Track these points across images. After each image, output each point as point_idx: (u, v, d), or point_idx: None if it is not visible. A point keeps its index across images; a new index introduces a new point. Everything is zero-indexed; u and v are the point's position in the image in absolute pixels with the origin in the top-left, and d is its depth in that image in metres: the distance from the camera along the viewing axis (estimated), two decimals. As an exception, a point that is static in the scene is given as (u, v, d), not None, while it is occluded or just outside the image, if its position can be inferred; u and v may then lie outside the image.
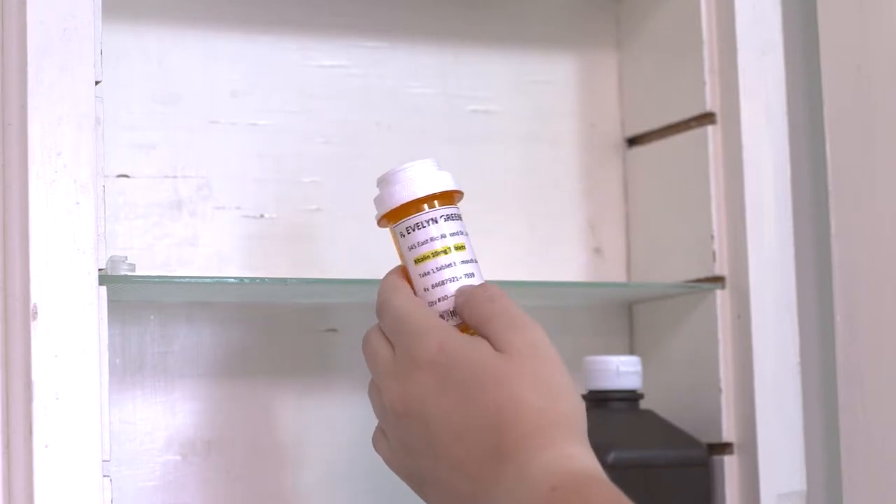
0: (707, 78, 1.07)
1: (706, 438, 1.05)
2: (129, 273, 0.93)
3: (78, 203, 0.84)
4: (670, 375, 1.09)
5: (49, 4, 0.84)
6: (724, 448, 1.04)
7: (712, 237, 1.06)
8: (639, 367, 1.03)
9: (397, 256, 0.89)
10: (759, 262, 1.04)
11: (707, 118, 1.07)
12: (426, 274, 0.88)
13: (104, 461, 0.83)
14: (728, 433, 1.05)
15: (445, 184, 0.89)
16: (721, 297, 1.06)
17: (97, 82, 0.85)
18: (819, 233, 1.11)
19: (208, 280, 0.96)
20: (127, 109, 1.01)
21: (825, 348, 1.11)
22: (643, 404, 1.04)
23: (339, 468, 1.04)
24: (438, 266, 0.88)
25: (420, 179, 0.88)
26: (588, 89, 1.15)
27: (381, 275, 0.88)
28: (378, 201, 0.89)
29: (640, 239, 1.14)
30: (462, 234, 0.89)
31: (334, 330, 1.05)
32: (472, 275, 0.88)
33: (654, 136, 1.12)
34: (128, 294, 0.96)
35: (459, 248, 0.88)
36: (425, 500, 0.86)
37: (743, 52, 1.05)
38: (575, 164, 1.14)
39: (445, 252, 0.88)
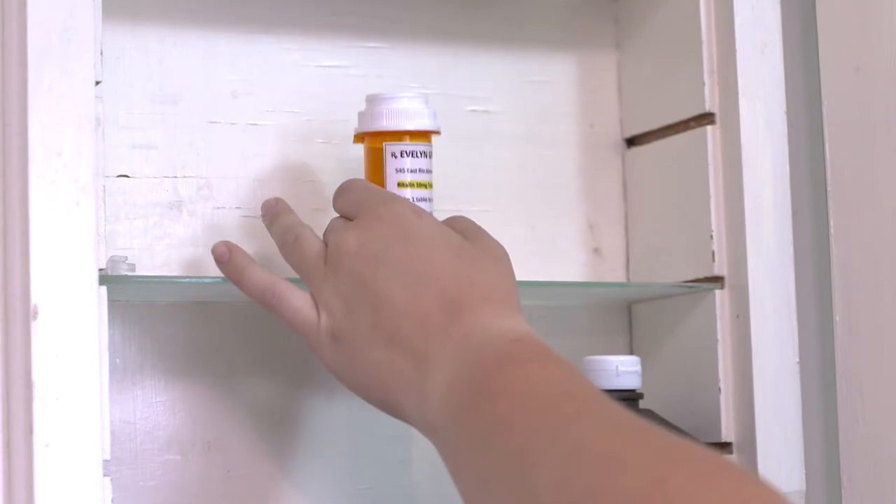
0: (706, 78, 1.07)
1: (705, 438, 1.05)
2: (129, 273, 0.93)
3: (78, 203, 0.84)
4: (670, 375, 1.09)
5: (49, 4, 0.84)
6: (724, 448, 1.05)
7: (711, 237, 1.06)
8: (638, 367, 1.03)
9: (366, 171, 0.96)
10: (759, 261, 1.05)
11: (706, 118, 1.07)
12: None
13: (104, 461, 0.83)
14: (727, 433, 1.05)
15: (438, 124, 0.98)
16: (720, 296, 1.06)
17: (97, 82, 0.85)
18: (818, 232, 1.12)
19: (208, 280, 0.96)
20: (127, 109, 1.01)
21: (824, 348, 1.11)
22: (643, 404, 1.04)
23: (340, 468, 1.04)
24: (420, 197, 0.95)
25: (426, 112, 0.96)
26: (587, 89, 1.15)
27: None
28: (373, 116, 0.96)
29: (639, 239, 1.14)
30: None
31: (334, 330, 1.05)
32: (433, 213, 0.95)
33: (654, 137, 1.12)
34: (128, 294, 0.96)
35: (431, 186, 0.96)
36: (354, 367, 0.85)
37: (742, 52, 1.05)
38: (574, 164, 1.14)
39: (427, 186, 0.96)
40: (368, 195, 0.90)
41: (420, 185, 0.95)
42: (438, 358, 0.80)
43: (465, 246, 0.87)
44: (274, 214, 0.94)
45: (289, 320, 0.88)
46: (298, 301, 0.87)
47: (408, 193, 0.95)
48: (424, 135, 0.96)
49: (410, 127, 0.96)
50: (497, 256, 0.88)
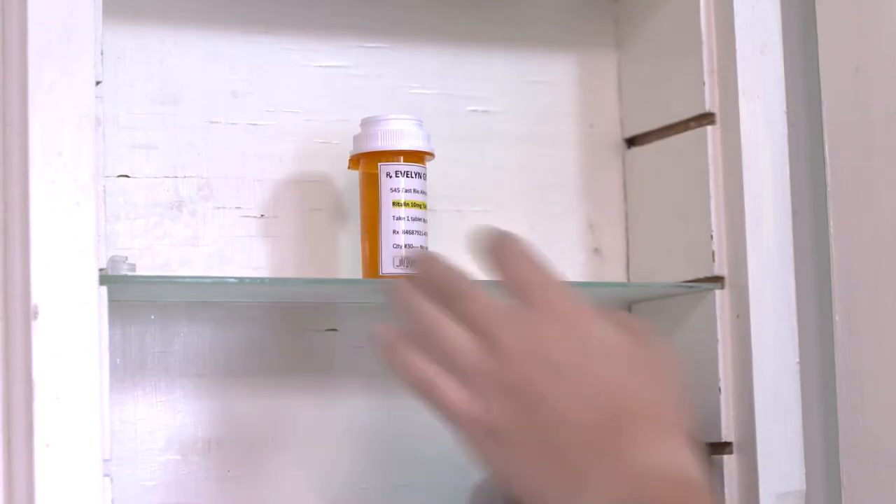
0: (706, 78, 1.07)
1: (705, 438, 1.05)
2: (130, 273, 0.93)
3: (78, 203, 0.84)
4: (670, 375, 1.09)
5: (49, 4, 0.84)
6: (724, 447, 1.05)
7: (711, 237, 1.06)
8: (638, 367, 1.03)
9: (361, 195, 0.98)
10: (759, 261, 1.04)
11: (706, 118, 1.07)
12: (401, 219, 0.97)
13: (105, 460, 0.83)
14: (727, 433, 1.05)
15: (432, 146, 0.99)
16: (720, 296, 1.06)
17: (97, 82, 0.85)
18: (818, 232, 1.12)
19: (208, 280, 0.96)
20: (127, 109, 1.01)
21: (824, 348, 1.11)
22: (642, 404, 1.04)
23: (339, 468, 1.04)
24: (415, 216, 0.97)
25: (420, 134, 0.98)
26: (587, 89, 1.15)
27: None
28: (368, 137, 0.98)
29: (639, 239, 1.14)
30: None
31: (334, 330, 1.05)
32: (426, 234, 0.98)
33: (654, 137, 1.12)
34: (128, 294, 0.96)
35: (426, 207, 0.97)
36: (508, 465, 0.83)
37: (742, 52, 1.05)
38: (574, 164, 1.14)
39: (422, 207, 0.97)
40: (538, 277, 0.85)
41: (415, 205, 0.97)
42: (595, 479, 0.79)
43: (640, 355, 0.85)
44: (404, 301, 0.87)
45: (442, 411, 0.84)
46: (454, 393, 0.84)
47: (402, 213, 0.97)
48: (419, 156, 0.98)
49: (405, 147, 0.97)
50: (669, 364, 0.86)
